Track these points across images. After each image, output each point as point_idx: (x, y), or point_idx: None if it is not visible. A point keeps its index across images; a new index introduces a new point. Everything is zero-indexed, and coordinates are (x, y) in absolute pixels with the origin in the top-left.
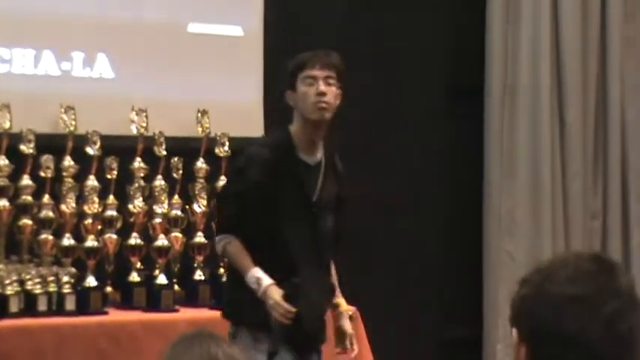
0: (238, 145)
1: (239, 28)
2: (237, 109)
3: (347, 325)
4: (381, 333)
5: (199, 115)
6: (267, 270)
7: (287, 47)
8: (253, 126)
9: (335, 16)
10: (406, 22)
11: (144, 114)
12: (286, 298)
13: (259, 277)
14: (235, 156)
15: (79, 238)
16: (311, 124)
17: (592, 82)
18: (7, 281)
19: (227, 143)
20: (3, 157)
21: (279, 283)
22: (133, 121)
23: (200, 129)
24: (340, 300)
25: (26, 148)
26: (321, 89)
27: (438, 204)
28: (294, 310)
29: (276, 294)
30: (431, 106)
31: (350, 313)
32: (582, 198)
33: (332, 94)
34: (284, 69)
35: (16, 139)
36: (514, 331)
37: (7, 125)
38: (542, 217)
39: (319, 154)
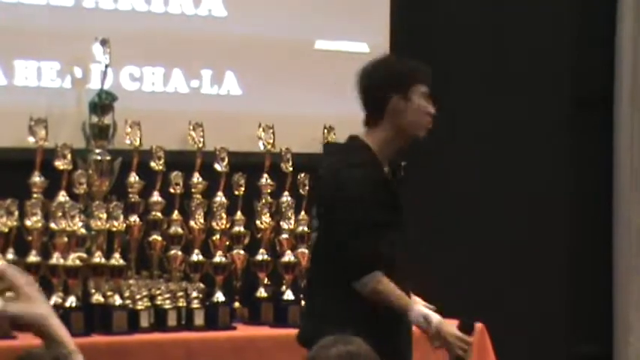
0: None
1: (365, 44)
2: (362, 125)
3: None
4: (509, 348)
5: (326, 131)
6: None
7: None
8: None
9: (460, 31)
10: (533, 33)
11: (271, 130)
12: (460, 329)
13: (426, 314)
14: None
15: (208, 253)
16: (406, 139)
17: None
18: (138, 296)
19: None
20: (133, 173)
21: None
22: (260, 138)
23: None
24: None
25: (156, 165)
26: (433, 109)
27: (567, 217)
28: (471, 340)
29: (452, 328)
30: (558, 117)
31: None
32: None
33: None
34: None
35: (146, 156)
36: None
37: (137, 142)
38: None
39: (386, 167)
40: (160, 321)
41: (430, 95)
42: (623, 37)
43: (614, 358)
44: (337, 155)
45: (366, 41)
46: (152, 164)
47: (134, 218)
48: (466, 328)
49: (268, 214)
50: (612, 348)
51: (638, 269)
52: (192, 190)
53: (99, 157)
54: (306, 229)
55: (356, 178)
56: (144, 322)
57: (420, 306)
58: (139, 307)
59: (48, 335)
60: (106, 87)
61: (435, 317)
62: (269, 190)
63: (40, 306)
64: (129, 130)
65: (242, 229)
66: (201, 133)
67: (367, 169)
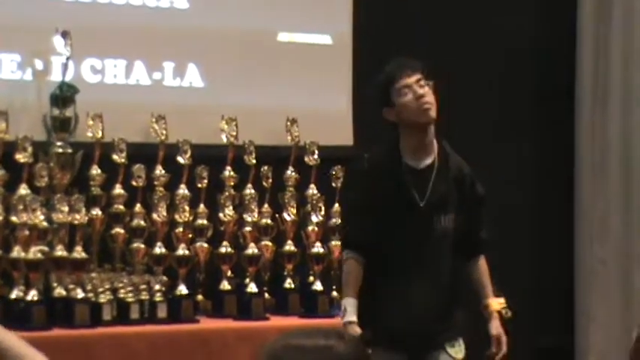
0: (327, 153)
1: (328, 36)
2: (326, 117)
3: (493, 328)
4: (472, 339)
5: (289, 123)
6: (377, 279)
7: (376, 55)
8: (343, 134)
9: (423, 22)
10: (495, 25)
11: (234, 123)
12: (362, 339)
13: (345, 309)
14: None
15: (171, 246)
16: (419, 129)
17: None
18: (100, 289)
19: (316, 151)
20: (95, 166)
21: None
22: (223, 130)
23: (289, 137)
24: (489, 301)
25: (118, 158)
26: (418, 93)
27: (528, 210)
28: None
29: (352, 330)
30: (520, 111)
31: (500, 311)
32: None
33: (429, 93)
34: (371, 88)
35: (108, 148)
36: None
37: (99, 135)
38: (634, 221)
39: (430, 158)
40: (122, 314)
41: (409, 84)
42: (584, 31)
43: (576, 349)
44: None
45: (329, 33)
46: (114, 157)
47: (96, 211)
48: (364, 339)
49: (231, 207)
50: (574, 339)
51: (600, 260)
52: (155, 182)
53: (60, 150)
54: (269, 221)
55: (351, 169)
56: (106, 315)
57: (350, 300)
58: (102, 301)
59: None
60: (68, 79)
61: (348, 317)
62: (232, 183)
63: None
64: (90, 122)
65: (205, 221)
66: (164, 126)
67: (368, 161)
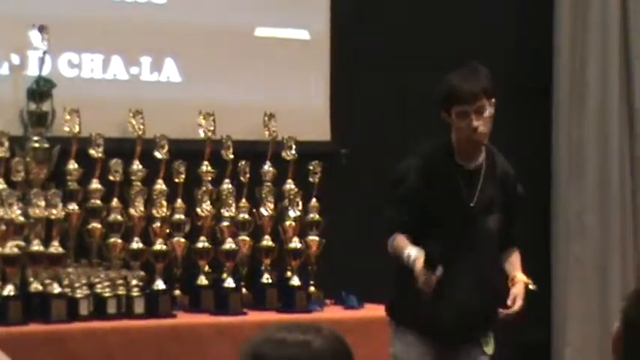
0: (305, 148)
1: (305, 31)
2: (303, 113)
3: (515, 288)
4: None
5: (266, 118)
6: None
7: (354, 50)
8: (320, 129)
9: (400, 18)
10: (472, 22)
11: (211, 118)
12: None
13: (409, 253)
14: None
15: (148, 241)
16: (467, 147)
17: None
18: (77, 284)
19: (294, 146)
20: (72, 161)
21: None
22: (200, 125)
23: (267, 132)
24: (517, 273)
25: (95, 153)
26: (473, 125)
27: None
28: (433, 277)
29: (419, 263)
30: (497, 106)
31: (526, 282)
32: None
33: (485, 123)
34: (357, 80)
35: (85, 143)
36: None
37: (76, 130)
38: (611, 219)
39: (480, 159)
40: (99, 309)
41: (468, 111)
42: (562, 26)
43: (553, 345)
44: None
45: (307, 28)
46: (91, 152)
47: (73, 206)
48: (429, 264)
49: (209, 202)
50: (551, 334)
51: (577, 256)
52: (132, 177)
53: (37, 145)
54: (246, 216)
55: (407, 164)
56: (83, 310)
57: (412, 248)
58: (78, 296)
59: None
60: (44, 74)
61: (413, 254)
62: (209, 178)
63: None
64: (67, 117)
65: (182, 216)
66: (141, 121)
67: (422, 158)
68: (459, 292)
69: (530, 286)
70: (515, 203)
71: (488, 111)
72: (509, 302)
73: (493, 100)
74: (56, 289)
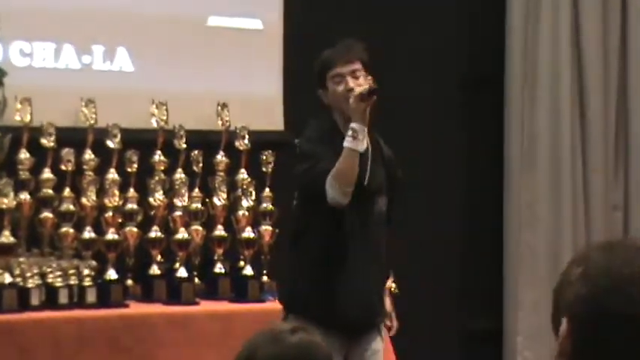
0: (258, 138)
1: (258, 21)
2: (257, 102)
3: (387, 303)
4: (400, 324)
5: (219, 108)
6: (323, 262)
7: (306, 40)
8: (273, 119)
9: (352, 7)
10: (424, 13)
11: (164, 107)
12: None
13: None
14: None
15: (100, 231)
16: (348, 117)
17: (613, 74)
18: (28, 274)
19: (247, 136)
20: (24, 150)
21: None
22: (153, 115)
23: (220, 122)
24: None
25: (47, 142)
26: (349, 86)
27: (458, 197)
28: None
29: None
30: (449, 97)
31: (391, 289)
32: (603, 189)
33: (360, 86)
34: (311, 68)
35: (36, 132)
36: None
37: (27, 119)
38: (562, 209)
39: (365, 142)
40: (51, 299)
41: (343, 73)
42: (514, 16)
43: (504, 334)
44: None
45: (260, 18)
46: (43, 141)
47: (24, 195)
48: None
49: (161, 191)
50: (502, 323)
51: (528, 246)
52: (84, 167)
53: None
54: (199, 206)
55: (303, 152)
56: (35, 300)
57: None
58: (30, 285)
59: None
60: None
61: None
62: (162, 167)
63: None
64: (19, 106)
65: (135, 206)
66: (93, 110)
67: (317, 144)
68: (360, 277)
69: (393, 289)
70: (396, 187)
71: (364, 80)
72: (387, 322)
73: (370, 77)
74: (7, 278)
